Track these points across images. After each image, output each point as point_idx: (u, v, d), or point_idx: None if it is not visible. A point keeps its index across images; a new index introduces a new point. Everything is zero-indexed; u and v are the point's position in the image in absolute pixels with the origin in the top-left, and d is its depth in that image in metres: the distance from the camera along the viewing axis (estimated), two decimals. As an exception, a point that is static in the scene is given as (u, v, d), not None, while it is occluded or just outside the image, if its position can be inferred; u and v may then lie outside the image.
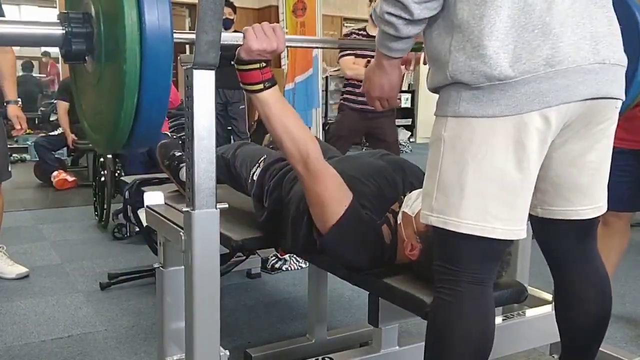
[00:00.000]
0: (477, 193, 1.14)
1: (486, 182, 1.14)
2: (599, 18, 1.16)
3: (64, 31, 1.17)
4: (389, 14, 1.17)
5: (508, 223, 1.16)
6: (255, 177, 1.80)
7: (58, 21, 1.18)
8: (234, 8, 5.98)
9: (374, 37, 3.95)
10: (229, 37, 1.34)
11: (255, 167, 1.85)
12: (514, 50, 1.09)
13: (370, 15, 3.56)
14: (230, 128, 5.51)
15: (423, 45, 1.28)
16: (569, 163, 1.25)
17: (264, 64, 1.34)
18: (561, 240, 1.37)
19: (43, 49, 8.73)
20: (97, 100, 1.30)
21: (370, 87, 1.41)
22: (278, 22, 8.83)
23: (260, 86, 1.35)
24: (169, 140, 2.26)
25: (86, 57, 1.24)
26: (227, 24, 5.92)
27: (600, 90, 1.15)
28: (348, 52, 3.62)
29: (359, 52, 3.56)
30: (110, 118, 1.20)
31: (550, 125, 1.13)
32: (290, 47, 1.51)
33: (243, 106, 5.74)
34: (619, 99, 1.22)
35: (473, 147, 1.13)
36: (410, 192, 1.49)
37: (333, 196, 1.38)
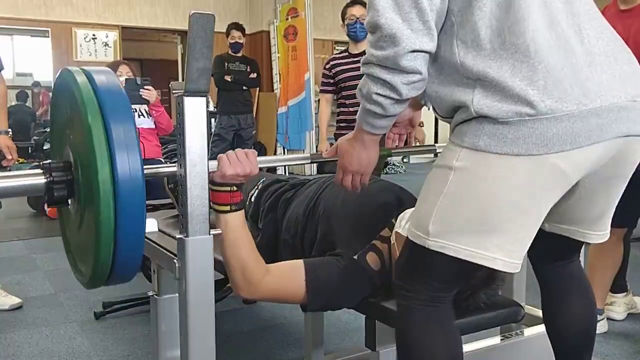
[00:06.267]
0: (485, 224, 1.13)
1: (497, 217, 1.12)
2: (621, 56, 1.16)
3: (46, 180, 1.26)
4: (377, 94, 1.16)
5: (510, 255, 1.15)
6: (252, 199, 1.81)
7: (41, 171, 1.27)
8: (243, 31, 6.00)
9: (356, 55, 3.95)
10: None
11: (254, 189, 1.87)
12: (544, 87, 1.06)
13: (349, 35, 3.55)
14: None
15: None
16: (587, 198, 1.26)
17: (235, 188, 1.36)
18: (554, 252, 1.41)
19: (35, 78, 8.75)
20: (80, 240, 1.38)
21: (347, 162, 1.36)
22: (269, 46, 8.92)
23: (227, 208, 1.37)
24: None
25: (69, 201, 1.32)
26: (237, 48, 5.98)
27: (631, 128, 1.13)
28: (326, 87, 3.64)
29: (347, 83, 3.53)
30: (90, 257, 1.27)
31: (578, 167, 1.12)
32: (264, 167, 1.57)
33: (255, 131, 5.82)
34: None
35: (487, 183, 1.11)
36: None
37: (287, 290, 1.40)
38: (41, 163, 1.30)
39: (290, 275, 1.41)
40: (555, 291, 1.44)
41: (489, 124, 1.10)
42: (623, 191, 1.30)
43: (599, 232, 1.34)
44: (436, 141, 9.44)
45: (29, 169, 5.45)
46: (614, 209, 1.33)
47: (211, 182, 1.35)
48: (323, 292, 1.40)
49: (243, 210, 1.39)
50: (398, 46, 1.09)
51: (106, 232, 1.16)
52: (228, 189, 1.35)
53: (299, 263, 1.42)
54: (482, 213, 1.12)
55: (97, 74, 1.26)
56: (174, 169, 1.35)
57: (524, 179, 1.10)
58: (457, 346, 1.24)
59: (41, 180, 1.25)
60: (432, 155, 1.82)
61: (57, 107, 1.43)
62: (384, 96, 1.16)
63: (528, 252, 1.41)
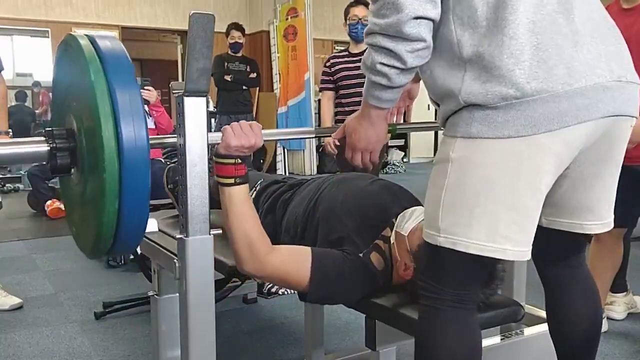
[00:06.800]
0: (488, 214, 1.12)
1: (497, 203, 1.12)
2: (608, 38, 1.17)
3: (49, 147, 1.24)
4: (381, 64, 1.15)
5: (518, 244, 1.15)
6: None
7: (44, 138, 1.25)
8: (243, 31, 6.01)
9: (356, 54, 3.96)
10: (210, 137, 1.35)
11: (252, 191, 1.86)
12: (530, 67, 1.07)
13: (350, 35, 3.57)
14: None
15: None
16: (581, 183, 1.25)
17: (240, 161, 1.36)
18: (557, 250, 1.39)
19: (35, 78, 8.75)
20: (82, 209, 1.36)
21: (356, 140, 1.35)
22: (269, 46, 8.93)
23: (232, 181, 1.36)
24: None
25: (71, 169, 1.30)
26: (237, 48, 5.99)
27: (617, 108, 1.14)
28: (327, 85, 3.64)
29: (344, 82, 3.55)
30: (93, 227, 1.25)
31: (568, 146, 1.12)
32: (268, 140, 1.50)
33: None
34: (634, 117, 1.21)
35: (484, 169, 1.12)
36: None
37: (293, 272, 1.39)
38: (44, 130, 1.29)
39: (296, 258, 1.40)
40: (560, 293, 1.42)
41: (479, 110, 1.11)
42: (623, 188, 1.29)
43: (597, 222, 1.31)
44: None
45: (35, 164, 5.36)
46: (611, 198, 1.31)
47: (215, 154, 1.35)
48: (326, 283, 1.39)
49: (247, 184, 1.39)
50: (401, 12, 1.09)
51: (110, 200, 1.14)
52: (232, 161, 1.35)
53: (307, 249, 1.42)
54: (482, 199, 1.12)
55: (101, 39, 1.23)
56: (175, 140, 1.33)
57: (517, 160, 1.11)
58: (475, 348, 1.22)
59: (44, 147, 1.23)
60: (431, 155, 1.83)
61: (60, 74, 1.40)
62: (388, 66, 1.15)
63: (535, 259, 1.42)
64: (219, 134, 1.35)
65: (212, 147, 1.36)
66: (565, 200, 1.28)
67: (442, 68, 1.17)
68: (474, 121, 1.11)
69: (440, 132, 1.33)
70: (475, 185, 1.13)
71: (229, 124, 1.36)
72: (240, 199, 1.36)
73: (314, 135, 1.67)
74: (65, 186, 1.49)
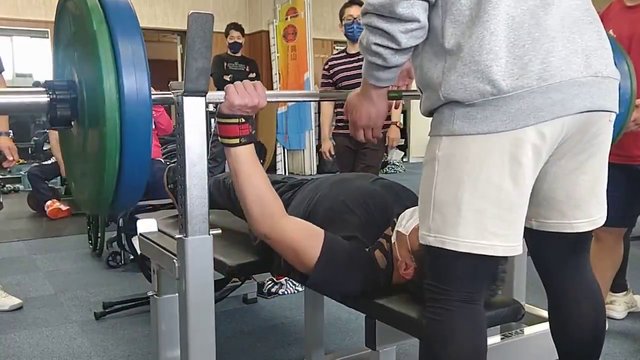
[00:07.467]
0: (475, 211, 1.13)
1: (483, 200, 1.13)
2: (588, 32, 1.17)
3: (49, 98, 1.21)
4: (376, 44, 1.17)
5: (506, 239, 1.16)
6: None
7: (44, 89, 1.22)
8: (242, 31, 6.02)
9: (353, 54, 3.96)
10: (212, 96, 1.35)
11: None
12: (506, 65, 1.09)
13: (346, 35, 3.58)
14: None
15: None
16: (564, 178, 1.25)
17: (243, 120, 1.36)
18: (554, 253, 1.37)
19: (35, 79, 8.76)
20: (83, 164, 1.34)
21: (357, 117, 1.39)
22: (269, 46, 8.93)
23: (237, 141, 1.37)
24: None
25: (72, 122, 1.28)
26: (236, 48, 5.99)
27: (595, 103, 1.15)
28: (326, 88, 3.63)
29: (344, 82, 3.55)
30: (94, 181, 1.23)
31: (546, 141, 1.13)
32: (272, 102, 1.51)
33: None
34: (613, 111, 1.22)
35: (468, 165, 1.13)
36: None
37: (304, 244, 1.40)
38: (44, 81, 1.25)
39: (309, 233, 1.42)
40: (563, 295, 1.40)
41: (459, 107, 1.12)
42: (624, 188, 1.28)
43: (585, 220, 1.30)
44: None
45: (35, 165, 5.35)
46: (599, 195, 1.31)
47: (218, 114, 1.35)
48: (332, 267, 1.40)
49: (252, 144, 1.40)
50: None
51: (111, 152, 1.13)
52: (236, 120, 1.36)
53: (321, 230, 1.43)
54: (467, 195, 1.13)
55: None
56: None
57: (498, 156, 1.12)
58: (480, 348, 1.21)
59: (44, 98, 1.21)
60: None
61: (61, 25, 1.38)
62: (382, 46, 1.17)
63: (535, 263, 1.41)
64: (221, 93, 1.35)
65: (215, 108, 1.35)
66: (550, 198, 1.28)
67: (428, 55, 1.19)
68: (456, 118, 1.13)
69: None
70: (460, 182, 1.14)
71: None
72: (246, 158, 1.38)
73: (318, 99, 1.69)
74: (65, 139, 1.47)
